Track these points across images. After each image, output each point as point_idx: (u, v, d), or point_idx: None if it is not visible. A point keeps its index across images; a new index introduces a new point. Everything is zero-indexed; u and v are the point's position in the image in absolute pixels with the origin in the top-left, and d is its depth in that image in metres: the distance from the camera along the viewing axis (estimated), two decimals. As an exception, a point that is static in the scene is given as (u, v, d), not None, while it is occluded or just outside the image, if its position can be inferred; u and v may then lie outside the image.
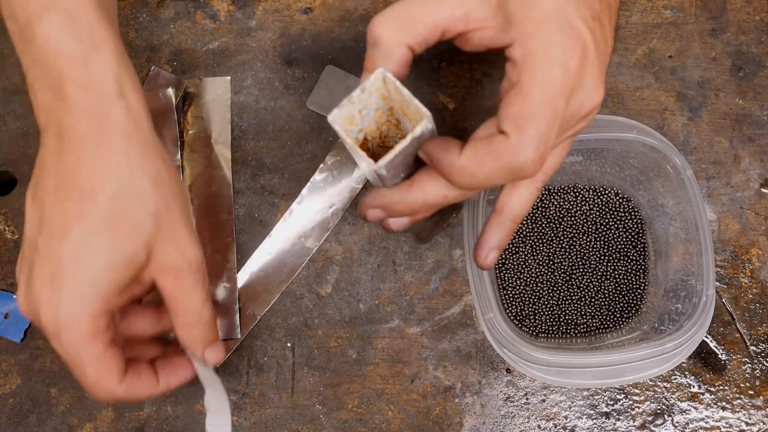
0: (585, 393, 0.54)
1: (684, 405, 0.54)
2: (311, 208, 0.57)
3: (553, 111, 0.34)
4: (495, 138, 0.34)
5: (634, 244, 0.56)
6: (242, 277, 0.56)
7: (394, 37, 0.36)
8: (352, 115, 0.35)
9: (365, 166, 0.35)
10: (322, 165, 0.58)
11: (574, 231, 0.56)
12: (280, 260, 0.57)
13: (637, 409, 0.54)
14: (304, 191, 0.58)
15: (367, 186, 0.57)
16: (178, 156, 0.58)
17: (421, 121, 0.34)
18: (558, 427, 0.54)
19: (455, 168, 0.35)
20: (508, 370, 0.54)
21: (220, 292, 0.56)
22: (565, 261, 0.56)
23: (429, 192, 0.37)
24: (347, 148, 0.35)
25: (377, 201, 0.39)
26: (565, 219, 0.56)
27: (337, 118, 0.34)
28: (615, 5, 0.39)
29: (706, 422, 0.53)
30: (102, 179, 0.35)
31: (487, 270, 0.46)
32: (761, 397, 0.54)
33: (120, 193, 0.36)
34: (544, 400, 0.54)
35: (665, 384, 0.54)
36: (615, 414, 0.54)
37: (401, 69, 0.36)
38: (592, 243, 0.56)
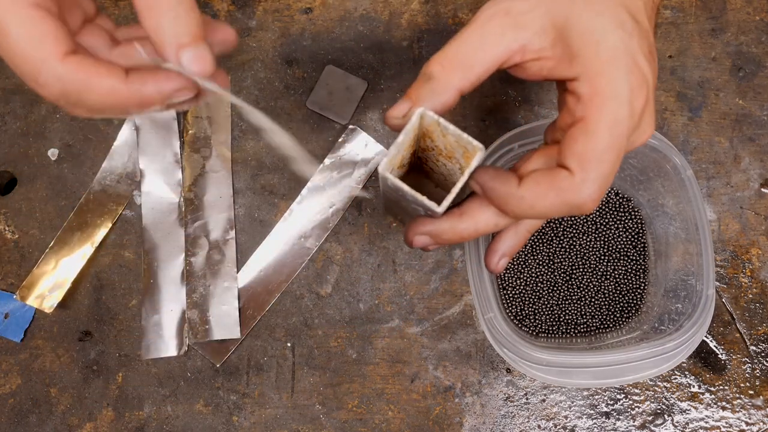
0: (585, 393, 0.54)
1: (684, 405, 0.54)
2: (311, 208, 0.57)
3: (617, 152, 0.34)
4: (558, 173, 0.34)
5: (634, 244, 0.56)
6: (242, 277, 0.56)
7: (448, 80, 0.36)
8: (393, 156, 0.35)
9: (428, 207, 0.35)
10: (322, 165, 0.58)
11: (574, 231, 0.56)
12: (280, 260, 0.57)
13: (637, 409, 0.54)
14: (304, 191, 0.58)
15: (366, 186, 0.57)
16: (179, 155, 0.58)
17: (476, 154, 0.34)
18: (558, 427, 0.54)
19: (514, 198, 0.35)
20: (508, 370, 0.54)
21: (220, 292, 0.56)
22: (565, 261, 0.56)
23: (480, 220, 0.37)
24: (402, 192, 0.35)
25: (426, 228, 0.39)
26: (565, 219, 0.56)
27: (387, 167, 0.35)
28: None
29: (706, 422, 0.53)
30: None
31: (497, 274, 0.46)
32: (761, 397, 0.54)
33: None
34: (544, 400, 0.54)
35: (665, 384, 0.54)
36: (615, 414, 0.54)
37: (445, 110, 0.36)
38: (592, 243, 0.56)
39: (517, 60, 0.36)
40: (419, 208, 0.37)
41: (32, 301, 0.55)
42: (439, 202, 0.36)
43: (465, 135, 0.34)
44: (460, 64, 0.35)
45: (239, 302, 0.56)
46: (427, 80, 0.36)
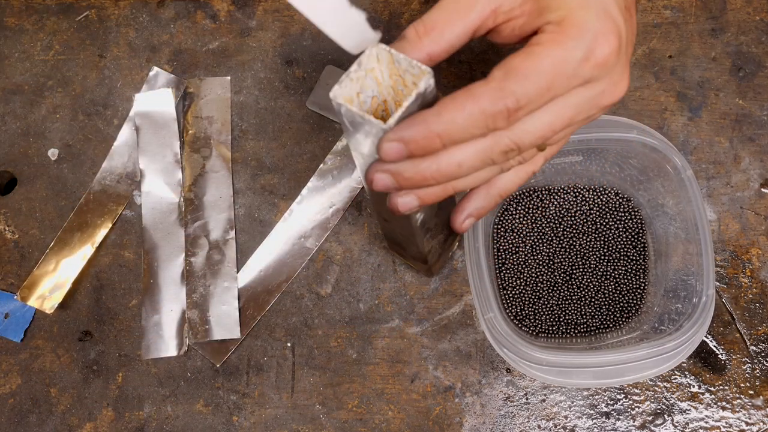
0: (585, 393, 0.54)
1: (684, 405, 0.54)
2: (311, 208, 0.57)
3: (549, 83, 0.33)
4: (475, 84, 0.34)
5: (634, 244, 0.56)
6: (242, 277, 0.56)
7: (418, 43, 0.36)
8: (351, 97, 0.35)
9: (376, 130, 0.34)
10: (322, 165, 0.58)
11: (574, 231, 0.56)
12: (280, 260, 0.57)
13: (637, 409, 0.54)
14: (304, 191, 0.58)
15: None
16: (179, 155, 0.58)
17: (423, 76, 0.34)
18: (558, 427, 0.54)
19: (432, 121, 0.34)
20: (508, 370, 0.54)
21: (220, 292, 0.56)
22: (565, 261, 0.56)
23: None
24: (351, 117, 0.35)
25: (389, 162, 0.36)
26: (565, 219, 0.56)
27: (338, 95, 0.34)
28: None
29: (706, 422, 0.53)
30: None
31: (461, 233, 0.46)
32: (761, 397, 0.54)
33: None
34: (544, 400, 0.54)
35: (665, 384, 0.54)
36: (615, 414, 0.54)
37: None
38: (592, 243, 0.56)
39: (490, 25, 0.37)
40: (371, 138, 0.36)
41: (33, 302, 0.55)
42: None
43: (414, 61, 0.34)
44: (432, 30, 0.36)
45: (239, 302, 0.56)
46: (400, 40, 0.37)
